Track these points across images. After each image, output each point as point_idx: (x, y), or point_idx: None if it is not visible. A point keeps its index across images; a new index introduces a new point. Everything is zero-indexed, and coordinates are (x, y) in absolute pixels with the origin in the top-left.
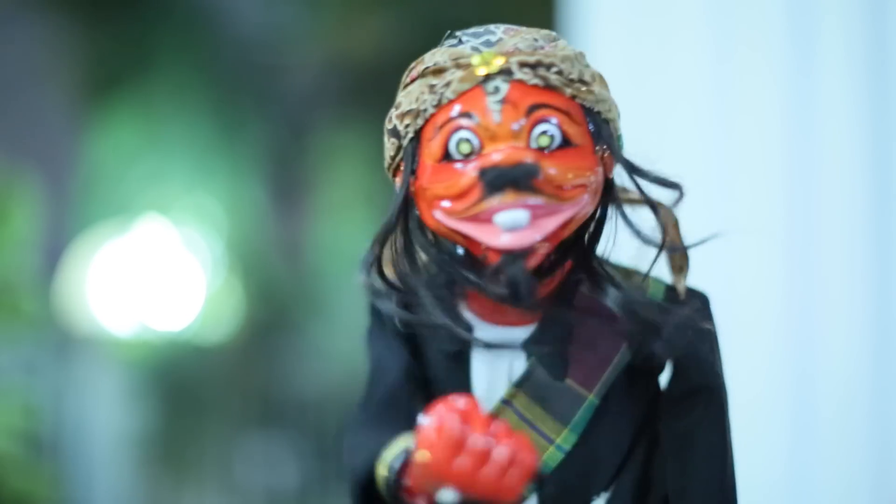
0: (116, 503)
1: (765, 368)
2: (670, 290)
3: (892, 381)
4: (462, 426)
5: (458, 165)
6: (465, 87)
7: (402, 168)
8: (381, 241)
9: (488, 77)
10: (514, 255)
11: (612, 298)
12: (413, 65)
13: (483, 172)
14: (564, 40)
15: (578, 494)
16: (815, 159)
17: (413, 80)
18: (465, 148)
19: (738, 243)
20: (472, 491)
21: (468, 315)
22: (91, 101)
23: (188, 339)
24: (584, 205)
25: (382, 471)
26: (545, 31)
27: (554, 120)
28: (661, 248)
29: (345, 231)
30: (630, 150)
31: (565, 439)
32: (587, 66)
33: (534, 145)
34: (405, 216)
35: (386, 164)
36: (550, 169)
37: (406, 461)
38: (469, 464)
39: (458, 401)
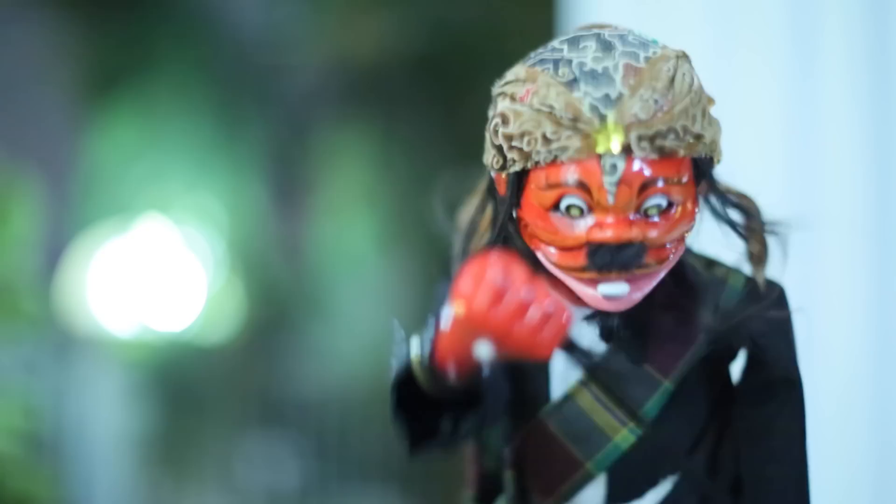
0: (117, 503)
1: None
2: (750, 281)
3: (892, 379)
4: (501, 278)
5: (566, 221)
6: (581, 157)
7: (502, 176)
8: (472, 233)
9: (607, 152)
10: (612, 313)
11: (686, 303)
12: (522, 75)
13: (592, 253)
14: (681, 69)
15: (648, 476)
16: (816, 160)
17: (522, 100)
18: (576, 212)
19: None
20: (507, 343)
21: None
22: (91, 100)
23: (189, 339)
24: (680, 254)
25: (415, 349)
26: (662, 68)
27: (664, 191)
28: (746, 237)
29: (346, 231)
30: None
31: (639, 423)
32: (699, 101)
33: (641, 214)
34: (504, 229)
35: (486, 162)
36: (654, 234)
37: (437, 332)
38: (506, 315)
39: (498, 253)
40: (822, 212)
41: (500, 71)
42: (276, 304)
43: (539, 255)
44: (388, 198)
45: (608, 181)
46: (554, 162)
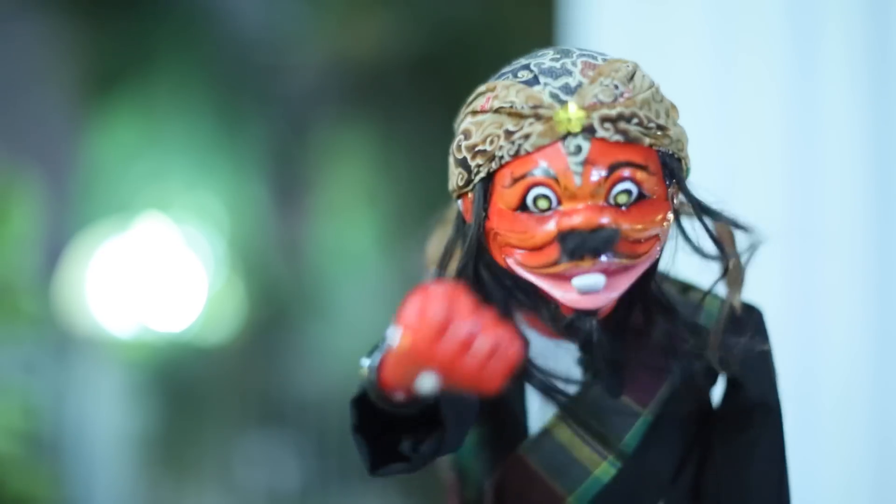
0: (116, 503)
1: None
2: (727, 307)
3: (892, 377)
4: (447, 309)
5: (534, 218)
6: (544, 143)
7: (468, 196)
8: (445, 264)
9: (569, 134)
10: (587, 315)
11: (662, 331)
12: (482, 90)
13: (563, 238)
14: (639, 71)
15: None
16: (817, 161)
17: (484, 111)
18: (543, 204)
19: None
20: (453, 377)
21: (524, 327)
22: (91, 100)
23: (189, 339)
24: (656, 254)
25: (363, 371)
26: (621, 66)
27: (634, 177)
28: (723, 263)
29: (346, 231)
30: (697, 183)
31: (619, 455)
32: (661, 100)
33: (611, 202)
34: (475, 250)
35: (451, 188)
36: (626, 225)
37: (385, 354)
38: (451, 348)
39: (444, 284)
40: (822, 213)
41: (499, 71)
42: (277, 303)
43: (511, 262)
44: (388, 198)
45: (573, 161)
46: (518, 155)
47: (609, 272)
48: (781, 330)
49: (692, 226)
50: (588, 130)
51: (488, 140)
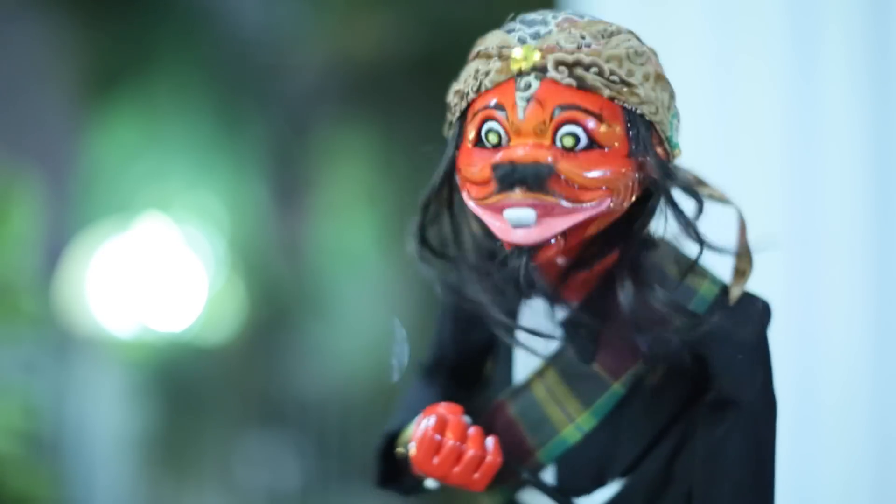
0: (116, 503)
1: None
2: (723, 293)
3: (893, 377)
4: (440, 433)
5: (486, 153)
6: (500, 79)
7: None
8: (425, 207)
9: (522, 72)
10: (522, 249)
11: (638, 306)
12: (478, 43)
13: (495, 167)
14: (627, 35)
15: (592, 475)
16: (817, 161)
17: (471, 59)
18: (493, 138)
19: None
20: (448, 481)
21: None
22: (91, 99)
23: (189, 338)
24: (605, 207)
25: (401, 448)
26: (604, 26)
27: (581, 121)
28: (702, 245)
29: (347, 231)
30: (683, 156)
31: (585, 421)
32: (642, 64)
33: (558, 144)
34: (450, 189)
35: (445, 133)
36: (566, 166)
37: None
38: (443, 463)
39: (442, 411)
40: (822, 213)
41: None
42: (277, 303)
43: (465, 197)
44: (388, 198)
45: (520, 97)
46: (480, 91)
47: (541, 209)
48: (782, 329)
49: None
50: (540, 70)
51: (464, 80)
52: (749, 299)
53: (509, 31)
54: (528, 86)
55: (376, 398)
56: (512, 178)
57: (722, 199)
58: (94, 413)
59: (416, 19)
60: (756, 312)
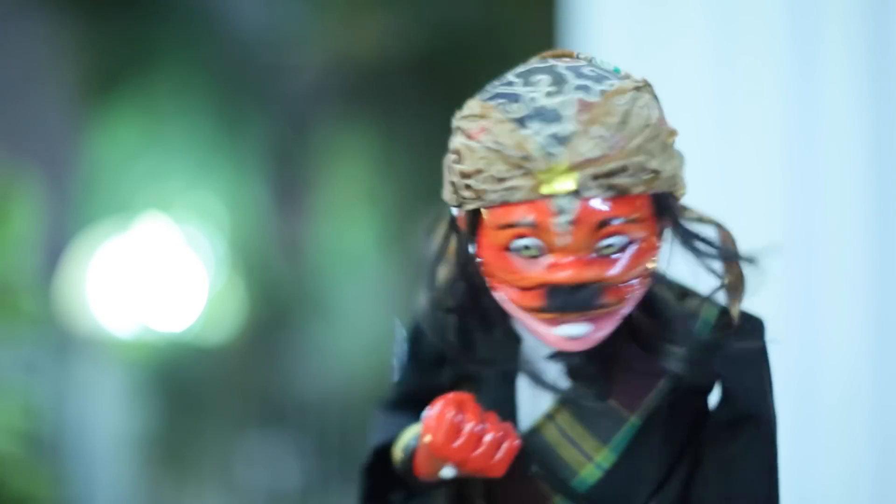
0: (117, 503)
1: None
2: (724, 313)
3: (893, 376)
4: (459, 414)
5: (522, 261)
6: (531, 198)
7: (462, 221)
8: (437, 261)
9: (557, 194)
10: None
11: (652, 336)
12: (476, 111)
13: (549, 294)
14: (637, 104)
15: None
16: (817, 162)
17: (475, 137)
18: (531, 252)
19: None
20: (467, 467)
21: (518, 328)
22: (92, 100)
23: (189, 339)
24: (643, 290)
25: (398, 452)
26: (616, 106)
27: (620, 231)
28: (719, 269)
29: (347, 231)
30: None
31: (605, 458)
32: (656, 136)
33: (599, 253)
34: (466, 269)
35: (444, 197)
36: (612, 272)
37: (416, 445)
38: (465, 445)
39: (456, 396)
40: (822, 213)
41: (499, 71)
42: (277, 303)
43: (499, 297)
44: (388, 198)
45: (558, 222)
46: (505, 203)
47: (594, 319)
48: (782, 330)
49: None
50: (576, 191)
51: (478, 177)
52: (748, 317)
53: (522, 124)
54: (564, 209)
55: (376, 398)
56: (569, 307)
57: (709, 221)
58: (95, 413)
59: (417, 20)
60: (758, 328)
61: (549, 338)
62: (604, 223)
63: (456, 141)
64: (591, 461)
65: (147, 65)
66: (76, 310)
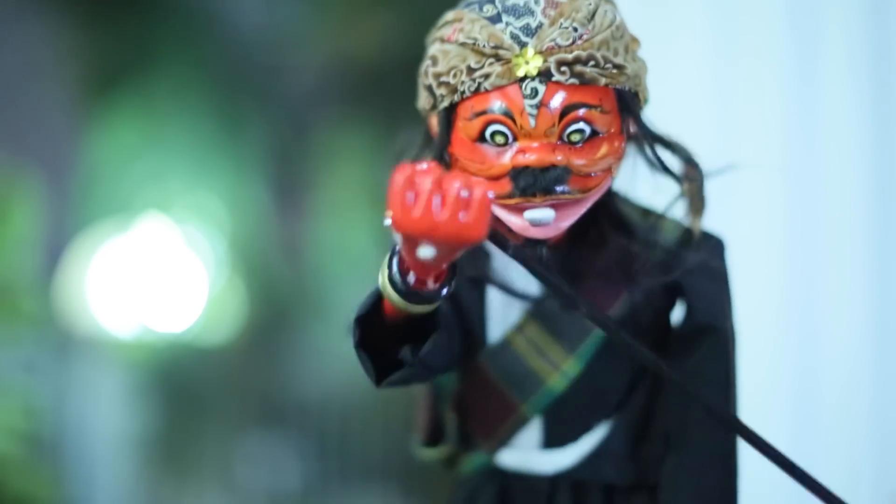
0: (117, 503)
1: (766, 361)
2: (686, 231)
3: (893, 376)
4: (410, 176)
5: (492, 150)
6: (502, 83)
7: (434, 116)
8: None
9: (526, 77)
10: (537, 243)
11: (618, 247)
12: (450, 18)
13: (515, 175)
14: (602, 7)
15: (581, 420)
16: (817, 162)
17: (450, 41)
18: (500, 139)
19: (740, 243)
20: (438, 235)
21: (487, 245)
22: (92, 100)
23: (189, 339)
24: (607, 183)
25: (383, 277)
26: (584, 5)
27: (586, 118)
28: (682, 183)
29: (347, 231)
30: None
31: (571, 367)
32: (621, 37)
33: (565, 140)
34: (439, 157)
35: (419, 105)
36: (578, 161)
37: (396, 251)
38: (425, 211)
39: (412, 164)
40: (823, 213)
41: None
42: (277, 304)
43: None
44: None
45: (529, 104)
46: (478, 91)
47: (559, 206)
48: (782, 329)
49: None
50: (544, 74)
51: (452, 73)
52: (708, 235)
53: (494, 21)
54: (535, 92)
55: (376, 398)
56: (535, 187)
57: (688, 157)
58: (95, 413)
59: (417, 20)
60: (719, 246)
61: (515, 226)
62: (570, 108)
63: (431, 49)
64: (557, 370)
65: (147, 65)
66: (76, 310)
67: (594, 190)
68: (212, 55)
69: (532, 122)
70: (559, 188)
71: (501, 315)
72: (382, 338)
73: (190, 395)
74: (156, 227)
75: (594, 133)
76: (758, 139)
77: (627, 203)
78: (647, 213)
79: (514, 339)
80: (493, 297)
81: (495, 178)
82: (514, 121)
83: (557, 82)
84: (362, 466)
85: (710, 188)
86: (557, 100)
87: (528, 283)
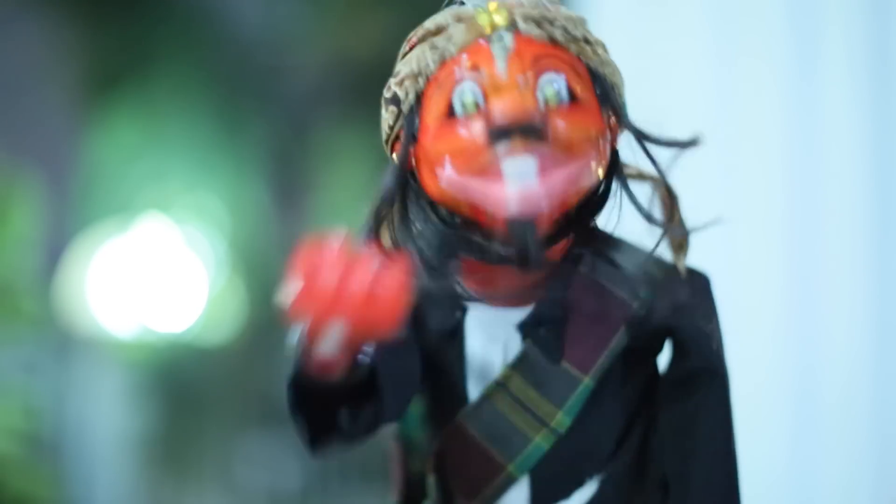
0: (117, 503)
1: (766, 361)
2: (671, 269)
3: (893, 376)
4: (320, 251)
5: (463, 121)
6: (468, 41)
7: (401, 138)
8: (378, 211)
9: (493, 28)
10: (523, 221)
11: (605, 291)
12: (412, 34)
13: (492, 133)
14: (569, 9)
15: (572, 477)
16: (817, 162)
17: (413, 47)
18: (469, 98)
19: (740, 244)
20: (344, 310)
21: (465, 290)
22: (92, 100)
23: (190, 339)
24: (590, 162)
25: (291, 350)
26: None
27: (560, 69)
28: (663, 226)
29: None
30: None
31: (560, 422)
32: (584, 23)
33: (540, 97)
34: (404, 186)
35: (384, 137)
36: (558, 122)
37: (300, 334)
38: (333, 277)
39: (320, 240)
40: (823, 213)
41: None
42: (277, 303)
43: (441, 175)
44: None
45: (497, 48)
46: (443, 60)
47: (541, 158)
48: (782, 329)
49: (634, 192)
50: (511, 24)
51: (415, 63)
52: (695, 272)
53: (451, 7)
54: (502, 38)
55: None
56: (513, 132)
57: (648, 178)
58: (95, 413)
59: (417, 20)
60: (706, 283)
61: (495, 197)
62: (541, 57)
63: (396, 72)
64: (545, 426)
65: (147, 65)
66: (76, 310)
67: (577, 158)
68: (212, 55)
69: (501, 65)
70: (538, 134)
71: (481, 371)
72: (321, 397)
73: (190, 395)
74: (156, 227)
75: (572, 98)
76: (758, 139)
77: (608, 241)
78: (632, 249)
79: (496, 396)
80: (473, 351)
81: (469, 147)
82: (482, 74)
83: (526, 35)
84: (362, 466)
85: (710, 188)
86: (528, 49)
87: (509, 337)
